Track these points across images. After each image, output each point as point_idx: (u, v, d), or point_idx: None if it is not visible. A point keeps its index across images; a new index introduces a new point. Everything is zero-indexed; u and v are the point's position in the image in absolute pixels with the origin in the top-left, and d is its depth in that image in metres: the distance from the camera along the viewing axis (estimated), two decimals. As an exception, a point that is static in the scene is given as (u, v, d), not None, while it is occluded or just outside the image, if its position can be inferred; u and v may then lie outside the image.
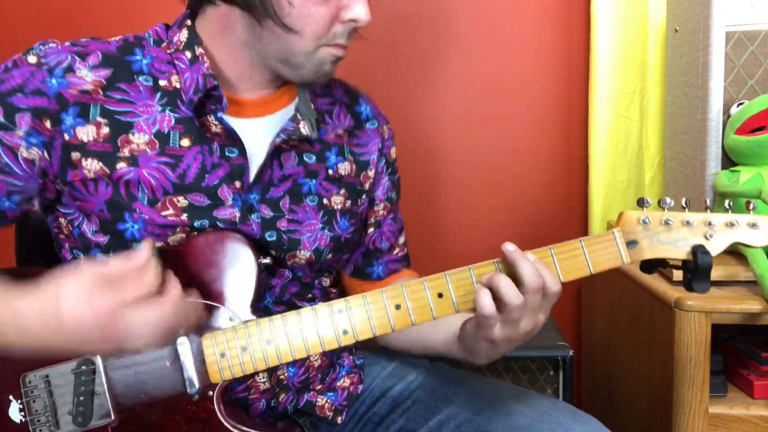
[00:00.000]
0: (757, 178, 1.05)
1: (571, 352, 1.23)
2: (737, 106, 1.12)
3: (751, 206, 0.74)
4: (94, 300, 0.65)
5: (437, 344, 0.90)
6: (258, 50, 0.82)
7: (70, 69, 0.77)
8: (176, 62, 0.82)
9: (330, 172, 0.90)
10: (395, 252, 1.02)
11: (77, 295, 0.66)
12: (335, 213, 0.90)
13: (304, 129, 0.85)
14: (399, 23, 1.52)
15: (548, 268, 0.73)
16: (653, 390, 1.09)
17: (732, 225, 0.74)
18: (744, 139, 1.07)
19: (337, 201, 0.91)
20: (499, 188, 1.57)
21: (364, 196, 0.95)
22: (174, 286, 0.71)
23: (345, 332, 0.74)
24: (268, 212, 0.84)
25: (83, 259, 0.81)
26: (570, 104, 1.53)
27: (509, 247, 0.72)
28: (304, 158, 0.88)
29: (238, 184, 0.82)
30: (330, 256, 0.90)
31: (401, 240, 1.04)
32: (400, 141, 1.06)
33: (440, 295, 0.74)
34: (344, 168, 0.92)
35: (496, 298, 0.71)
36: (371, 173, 0.96)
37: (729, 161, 1.12)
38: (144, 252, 0.69)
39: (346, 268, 1.01)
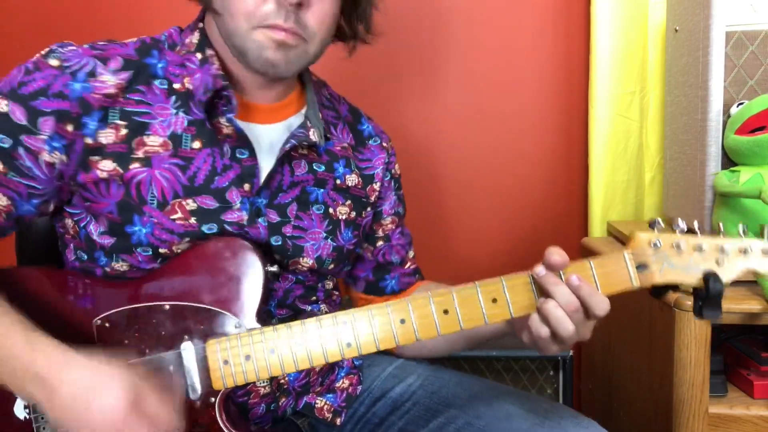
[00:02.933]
0: (757, 178, 1.05)
1: (570, 352, 1.23)
2: (737, 106, 1.11)
3: (766, 231, 0.72)
4: (116, 409, 0.65)
5: (482, 335, 0.88)
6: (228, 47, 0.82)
7: (93, 73, 0.76)
8: (187, 64, 0.82)
9: (338, 182, 0.91)
10: (407, 266, 1.03)
11: (113, 399, 0.65)
12: (339, 223, 0.90)
13: (314, 136, 0.85)
14: (399, 24, 1.52)
15: (589, 285, 0.72)
16: (653, 390, 1.10)
17: (745, 252, 0.72)
18: (744, 139, 1.07)
19: (342, 212, 0.91)
20: (498, 188, 1.57)
21: (369, 209, 0.95)
22: None
23: (349, 345, 0.74)
24: (274, 217, 0.84)
25: (136, 362, 0.75)
26: (570, 104, 1.53)
27: (540, 271, 0.71)
28: (314, 167, 0.88)
29: (247, 186, 0.82)
30: (332, 266, 0.90)
31: (411, 254, 1.04)
32: (400, 142, 1.05)
33: (446, 312, 0.73)
34: (351, 179, 0.92)
35: (548, 322, 0.71)
36: (377, 186, 0.96)
37: (729, 161, 1.12)
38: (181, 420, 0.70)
39: (357, 286, 1.02)
